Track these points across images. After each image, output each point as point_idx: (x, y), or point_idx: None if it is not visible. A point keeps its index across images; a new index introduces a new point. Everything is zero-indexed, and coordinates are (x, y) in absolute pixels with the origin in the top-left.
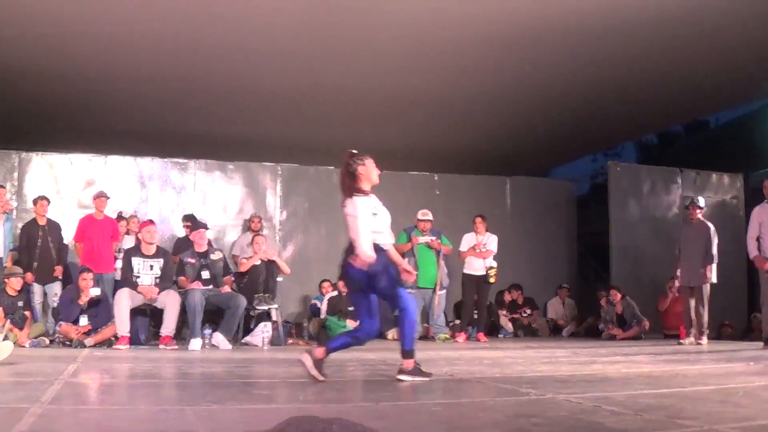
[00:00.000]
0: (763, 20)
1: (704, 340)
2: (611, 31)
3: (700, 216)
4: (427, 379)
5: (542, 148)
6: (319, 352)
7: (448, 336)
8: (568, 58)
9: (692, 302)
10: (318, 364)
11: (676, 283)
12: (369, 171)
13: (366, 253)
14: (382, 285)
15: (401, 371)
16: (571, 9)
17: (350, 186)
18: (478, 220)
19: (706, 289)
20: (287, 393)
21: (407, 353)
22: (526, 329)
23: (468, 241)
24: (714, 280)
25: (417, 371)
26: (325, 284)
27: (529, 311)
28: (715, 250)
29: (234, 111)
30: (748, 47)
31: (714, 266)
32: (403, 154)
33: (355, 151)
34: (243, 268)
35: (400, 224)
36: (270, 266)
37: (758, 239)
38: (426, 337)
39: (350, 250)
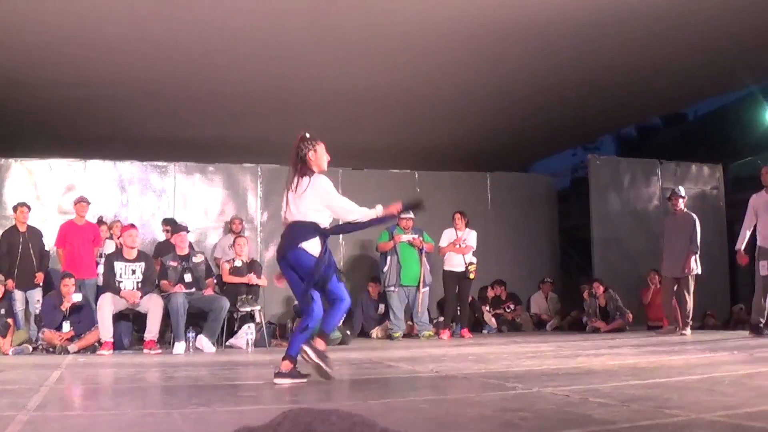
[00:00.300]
0: (741, 11)
1: (688, 330)
2: (589, 25)
3: (682, 206)
4: (326, 368)
5: (522, 143)
6: (285, 365)
7: (432, 333)
8: (546, 54)
9: (676, 292)
10: (294, 373)
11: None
12: (320, 157)
13: (374, 212)
14: (324, 273)
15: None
16: (549, 5)
17: (302, 169)
18: (457, 216)
19: (691, 279)
20: (273, 394)
21: (323, 334)
22: (510, 324)
23: (447, 237)
24: (698, 270)
25: (321, 355)
26: None
27: (512, 306)
28: (698, 241)
29: (213, 113)
30: (725, 39)
31: (697, 257)
32: (383, 153)
33: (308, 135)
34: (227, 279)
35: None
36: (252, 267)
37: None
38: (410, 334)
39: (299, 233)
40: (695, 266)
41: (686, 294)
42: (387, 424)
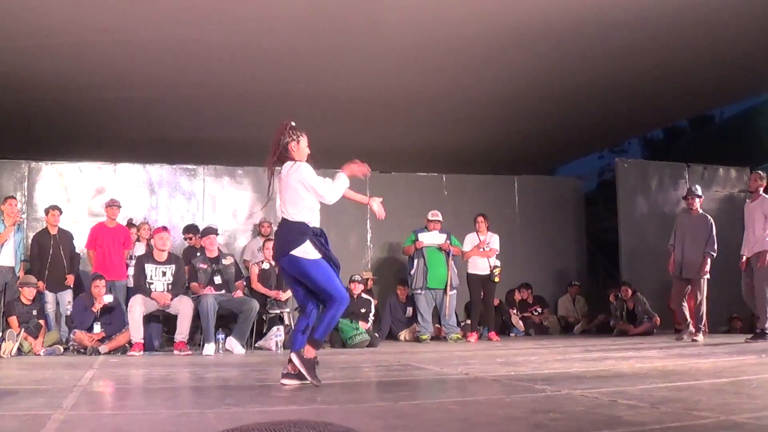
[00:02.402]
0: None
1: (700, 336)
2: (616, 27)
3: (698, 206)
4: (311, 381)
5: (549, 146)
6: (293, 366)
7: (460, 336)
8: (574, 56)
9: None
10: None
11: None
12: (302, 150)
13: (345, 180)
14: (324, 272)
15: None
16: (576, 6)
17: (281, 156)
18: (480, 219)
19: (704, 282)
20: (305, 395)
21: (315, 342)
22: (537, 327)
23: (471, 240)
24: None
25: (311, 365)
26: None
27: (539, 309)
28: (714, 244)
29: (242, 116)
30: (752, 40)
31: (711, 260)
32: (410, 156)
33: (293, 124)
34: (255, 287)
35: (410, 225)
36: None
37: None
38: (438, 337)
39: (287, 239)
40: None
41: (700, 297)
42: (415, 427)
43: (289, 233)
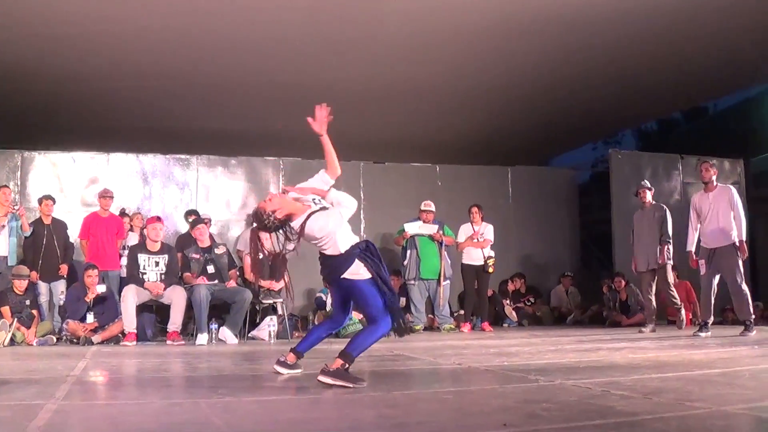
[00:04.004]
0: (761, 5)
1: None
2: (610, 18)
3: (650, 198)
4: (351, 386)
5: (543, 137)
6: (291, 357)
7: (453, 326)
8: (568, 47)
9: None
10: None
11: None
12: (288, 205)
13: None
14: (372, 293)
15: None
16: None
17: (286, 233)
18: (474, 209)
19: (669, 271)
20: (298, 385)
21: (345, 356)
22: (531, 318)
23: (465, 231)
24: (671, 261)
25: (341, 374)
26: None
27: (532, 300)
28: (669, 231)
29: (235, 106)
30: (746, 32)
31: (671, 247)
32: (404, 146)
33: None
34: (249, 277)
35: (404, 215)
36: (275, 260)
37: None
38: (431, 327)
39: (337, 266)
40: (669, 256)
41: (667, 287)
42: (409, 416)
43: (336, 259)
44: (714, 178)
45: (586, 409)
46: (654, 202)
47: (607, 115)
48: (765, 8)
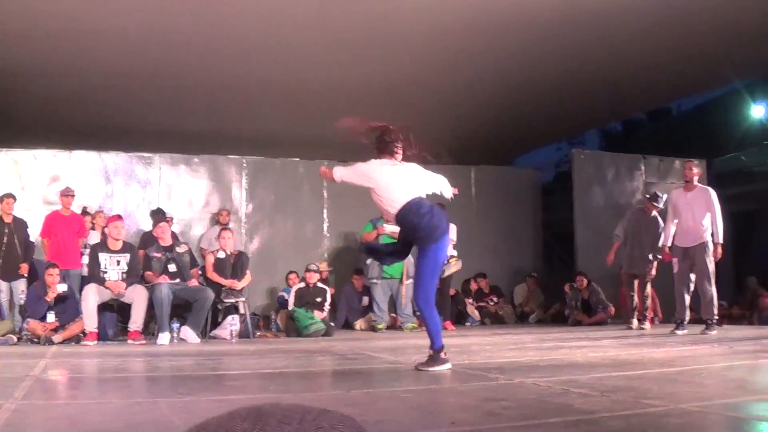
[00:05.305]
0: (725, 7)
1: (647, 325)
2: (574, 20)
3: (656, 214)
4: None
5: (507, 137)
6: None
7: (415, 325)
8: (531, 48)
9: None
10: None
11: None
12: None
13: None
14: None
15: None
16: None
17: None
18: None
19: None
20: (258, 384)
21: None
22: (493, 317)
23: None
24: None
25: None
26: (292, 276)
27: (495, 299)
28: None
29: (199, 105)
30: (710, 35)
31: (656, 262)
32: (367, 146)
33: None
34: (211, 276)
35: (368, 215)
36: (240, 260)
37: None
38: (394, 326)
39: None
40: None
41: (648, 288)
42: (368, 415)
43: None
44: (696, 178)
45: (545, 408)
46: (655, 214)
47: (572, 115)
48: (729, 12)
